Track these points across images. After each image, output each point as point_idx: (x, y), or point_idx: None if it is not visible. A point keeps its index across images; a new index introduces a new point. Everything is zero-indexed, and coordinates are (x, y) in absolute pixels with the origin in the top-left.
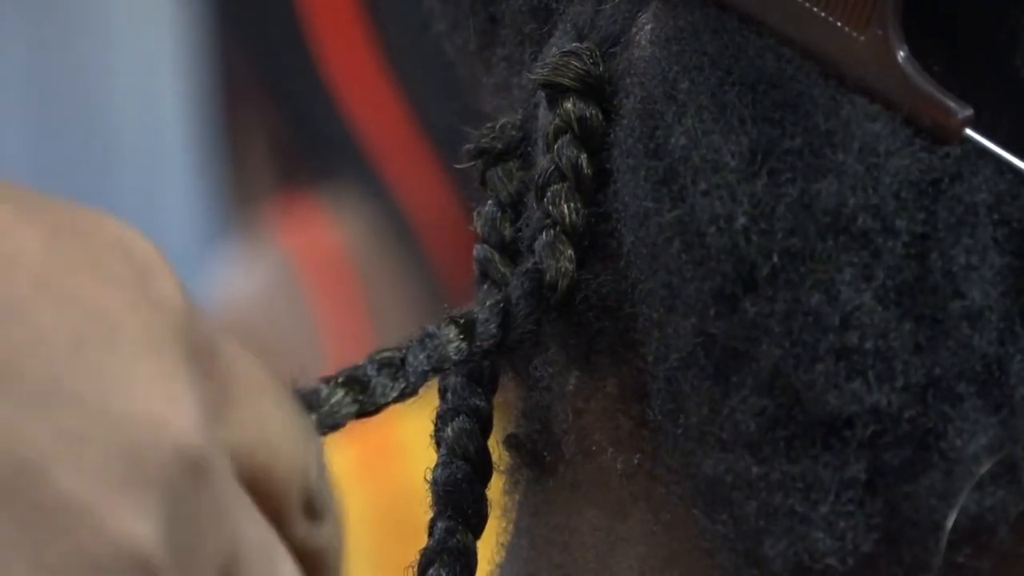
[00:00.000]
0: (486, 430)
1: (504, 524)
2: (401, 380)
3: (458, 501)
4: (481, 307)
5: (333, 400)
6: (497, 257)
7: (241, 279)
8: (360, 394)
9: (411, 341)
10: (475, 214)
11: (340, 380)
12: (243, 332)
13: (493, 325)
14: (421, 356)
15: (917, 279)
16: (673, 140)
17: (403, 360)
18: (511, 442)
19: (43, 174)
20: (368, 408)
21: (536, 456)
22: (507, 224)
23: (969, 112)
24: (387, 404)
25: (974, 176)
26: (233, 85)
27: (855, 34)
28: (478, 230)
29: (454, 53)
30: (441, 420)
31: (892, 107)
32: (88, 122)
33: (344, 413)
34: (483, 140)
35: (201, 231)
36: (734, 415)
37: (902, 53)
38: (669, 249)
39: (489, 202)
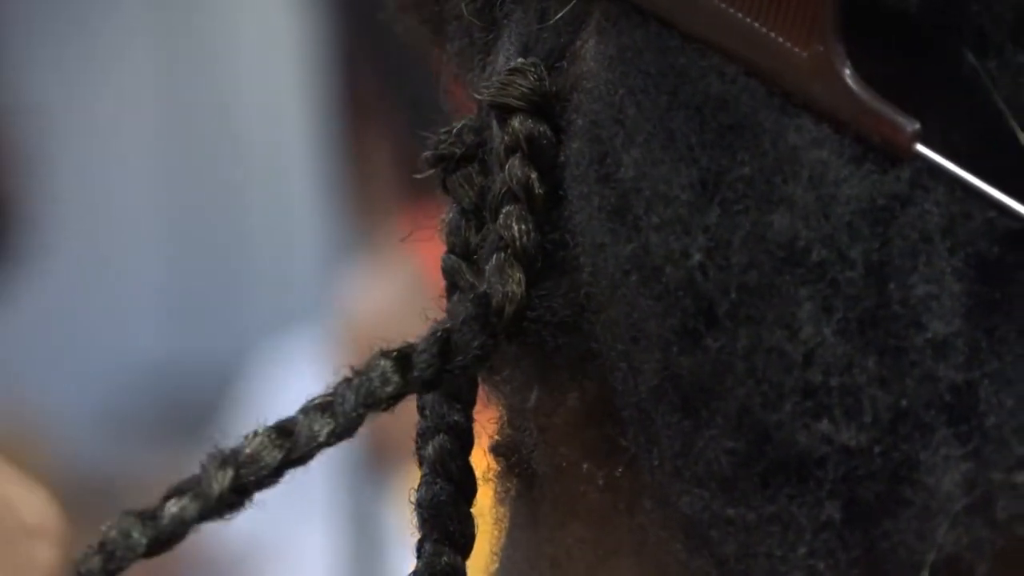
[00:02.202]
0: (467, 447)
1: (496, 534)
2: (329, 420)
3: (443, 522)
4: (423, 336)
5: (250, 449)
6: (464, 266)
7: (370, 293)
8: (282, 439)
9: (340, 382)
10: (439, 222)
11: (260, 429)
12: (374, 344)
13: (430, 354)
14: (349, 395)
15: (877, 310)
16: (623, 170)
17: (331, 401)
18: (498, 451)
19: (173, 192)
20: (295, 453)
21: (522, 467)
22: (472, 231)
23: (917, 126)
24: (318, 447)
25: (926, 199)
26: (360, 99)
27: (797, 50)
28: (443, 239)
29: (405, 35)
30: (421, 438)
31: (839, 125)
32: (217, 139)
33: (267, 460)
34: (441, 146)
35: (330, 245)
36: (706, 452)
37: (847, 70)
38: (627, 283)
39: (452, 209)
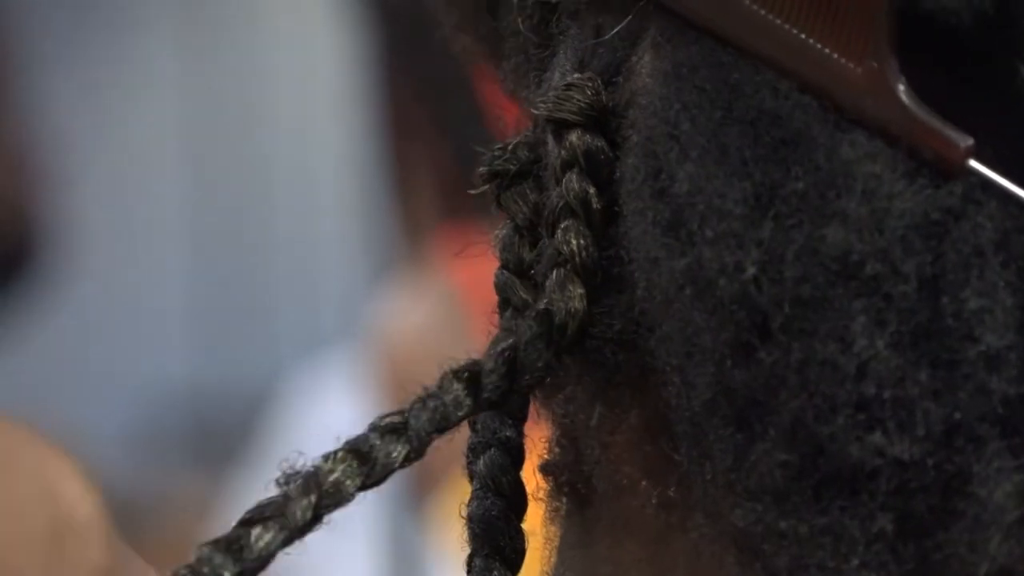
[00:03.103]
0: (518, 462)
1: (547, 553)
2: (404, 444)
3: (494, 537)
4: (488, 356)
5: (332, 478)
6: (518, 282)
7: (407, 312)
8: (361, 465)
9: (413, 403)
10: (493, 238)
11: (339, 455)
12: (409, 365)
13: (499, 374)
14: (423, 418)
15: (930, 323)
16: (677, 185)
17: (405, 424)
18: (547, 469)
19: (201, 213)
20: (372, 479)
21: (572, 487)
22: (526, 247)
23: (970, 142)
24: (392, 471)
25: (979, 213)
26: (399, 118)
27: (852, 66)
28: (497, 255)
29: (462, 55)
30: (472, 453)
31: (892, 140)
32: (246, 160)
33: (347, 488)
34: (496, 162)
35: (364, 265)
36: (759, 465)
37: (901, 86)
38: (681, 297)
39: (506, 226)
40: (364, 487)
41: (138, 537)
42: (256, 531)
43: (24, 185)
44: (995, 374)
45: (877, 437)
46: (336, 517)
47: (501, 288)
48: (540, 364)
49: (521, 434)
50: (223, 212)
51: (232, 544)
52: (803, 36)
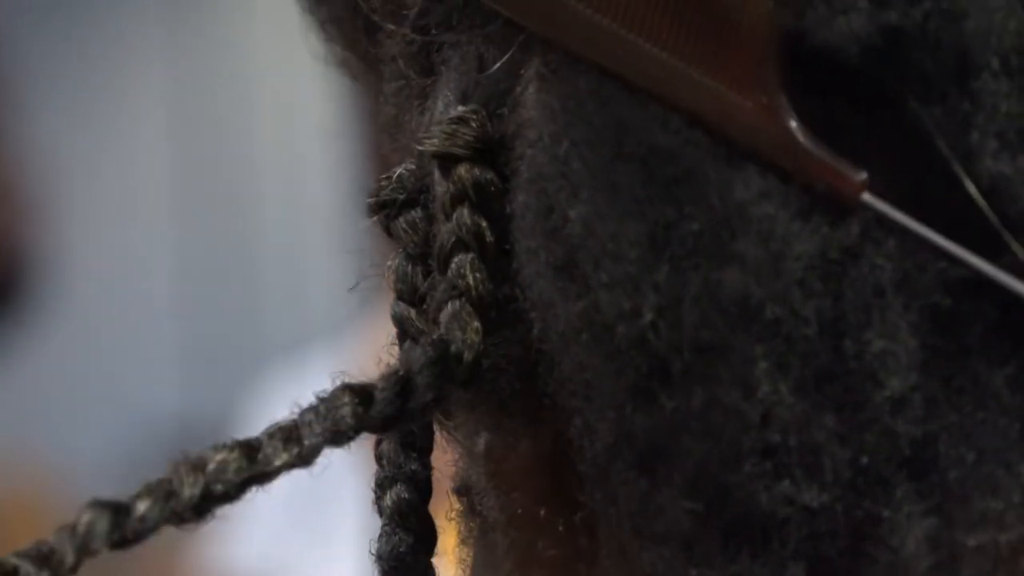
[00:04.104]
0: (425, 497)
1: (460, 574)
2: (293, 446)
3: (404, 575)
4: (381, 377)
5: (219, 458)
6: (413, 313)
7: (389, 344)
8: (248, 457)
9: (304, 410)
10: (386, 269)
11: (228, 443)
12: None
13: (390, 394)
14: (314, 423)
15: (833, 367)
16: (569, 225)
17: (296, 426)
18: (460, 491)
19: (188, 243)
20: (258, 471)
21: (479, 510)
22: (419, 276)
23: (864, 176)
24: (279, 469)
25: (877, 252)
26: (382, 141)
27: (741, 99)
28: (391, 286)
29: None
30: (380, 488)
31: (786, 176)
32: (233, 187)
33: (233, 473)
34: (383, 192)
35: (350, 295)
36: (665, 511)
37: (792, 121)
38: (579, 341)
39: (398, 255)
40: (251, 480)
41: (123, 565)
42: (141, 500)
43: (12, 213)
44: (900, 416)
45: (785, 485)
46: (322, 525)
47: (397, 320)
48: (432, 390)
49: (427, 467)
50: (212, 238)
51: (118, 509)
52: (691, 68)
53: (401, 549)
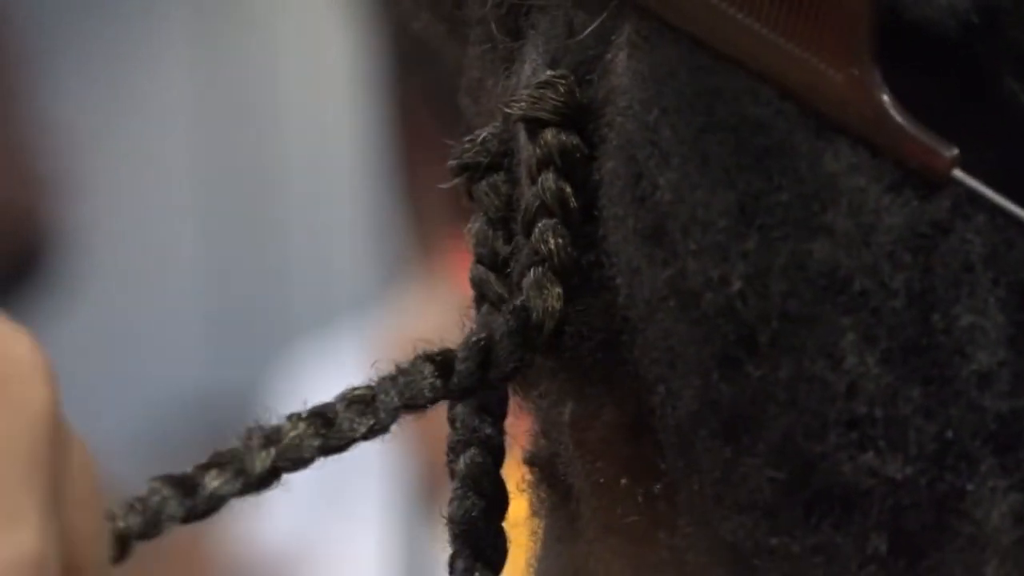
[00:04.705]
0: (498, 461)
1: (532, 545)
2: (370, 416)
3: (475, 538)
4: (462, 345)
5: (293, 433)
6: (492, 277)
7: (418, 319)
8: (324, 428)
9: (383, 378)
10: (466, 232)
11: (303, 415)
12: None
13: (471, 364)
14: (392, 393)
15: (921, 340)
16: (659, 193)
17: (373, 396)
18: (532, 461)
19: (213, 218)
20: (333, 443)
21: (556, 479)
22: (500, 241)
23: (955, 152)
24: (355, 439)
25: (966, 227)
26: (410, 123)
27: (833, 72)
28: (471, 249)
29: (423, 33)
30: (452, 451)
31: (876, 150)
32: (258, 163)
33: (307, 447)
34: (466, 155)
35: (378, 271)
36: (748, 480)
37: (884, 95)
38: (665, 308)
39: (479, 219)
40: (324, 451)
41: (150, 543)
42: (211, 474)
43: (35, 188)
44: (987, 391)
45: (870, 457)
46: (348, 510)
47: (476, 283)
48: (513, 359)
49: (501, 431)
50: (237, 215)
51: (185, 482)
52: (783, 40)
53: (473, 513)
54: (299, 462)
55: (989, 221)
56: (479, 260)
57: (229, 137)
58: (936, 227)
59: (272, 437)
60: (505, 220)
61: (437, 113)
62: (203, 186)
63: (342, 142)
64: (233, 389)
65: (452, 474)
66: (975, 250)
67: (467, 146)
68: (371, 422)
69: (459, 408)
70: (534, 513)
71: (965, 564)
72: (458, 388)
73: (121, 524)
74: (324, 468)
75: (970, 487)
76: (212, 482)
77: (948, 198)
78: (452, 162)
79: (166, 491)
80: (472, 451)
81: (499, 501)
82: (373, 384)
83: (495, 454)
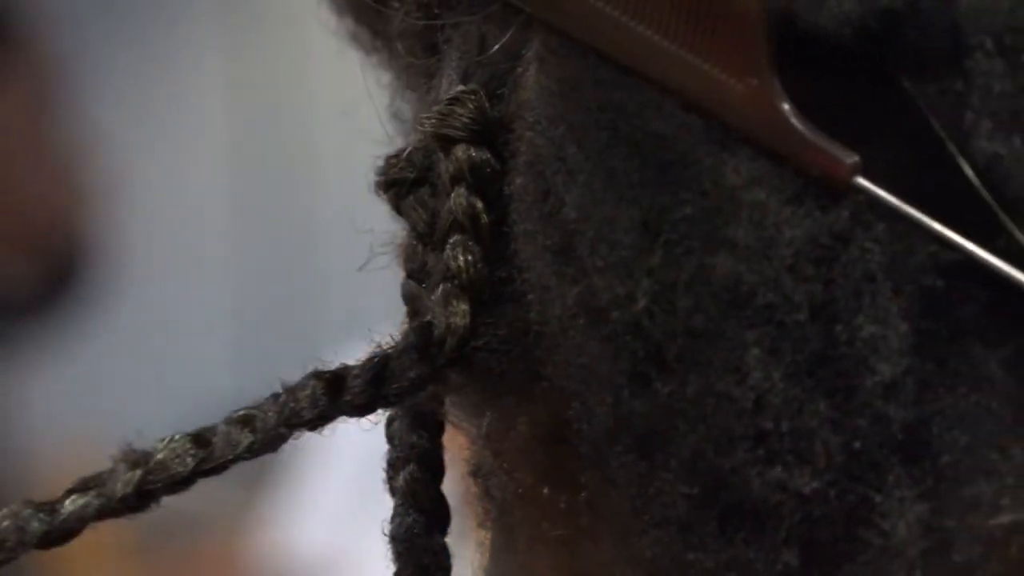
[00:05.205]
0: (437, 476)
1: (480, 559)
2: (249, 435)
3: (417, 555)
4: (359, 362)
5: (163, 455)
6: (423, 291)
7: None
8: (198, 449)
9: (268, 397)
10: (396, 248)
11: (175, 437)
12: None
13: (363, 380)
14: (271, 411)
15: (825, 352)
16: (566, 210)
17: (254, 416)
18: (474, 473)
19: (245, 224)
20: (208, 464)
21: (494, 491)
22: (429, 255)
23: (856, 158)
24: (234, 459)
25: (867, 236)
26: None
27: (733, 82)
28: (400, 264)
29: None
30: (392, 468)
31: (778, 159)
32: (290, 169)
33: (178, 469)
34: (392, 171)
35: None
36: (662, 495)
37: (784, 103)
38: (575, 325)
39: (407, 233)
40: (199, 471)
41: (186, 538)
42: (72, 497)
43: (75, 195)
44: (892, 401)
45: (778, 471)
46: (380, 519)
47: (407, 298)
48: (408, 375)
49: (438, 446)
50: (267, 225)
51: (45, 507)
52: (684, 52)
53: (415, 529)
54: (172, 482)
55: (889, 229)
56: (409, 275)
57: (261, 149)
58: (836, 238)
59: (140, 459)
60: (432, 233)
61: None
62: (235, 198)
63: (374, 148)
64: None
65: (392, 491)
66: (875, 259)
67: (392, 162)
68: (250, 440)
69: (395, 424)
70: (480, 524)
71: (875, 575)
72: (350, 405)
73: None
74: (359, 476)
75: (878, 499)
76: (71, 504)
77: (848, 208)
78: (378, 178)
79: (24, 514)
80: (411, 467)
81: (440, 516)
82: (258, 403)
83: (433, 468)
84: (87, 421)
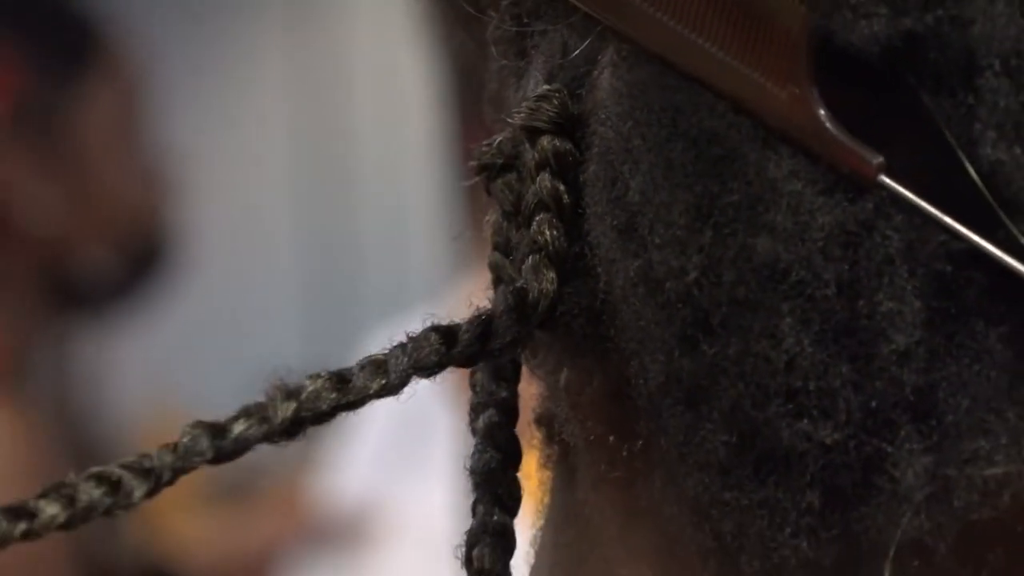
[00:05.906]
0: (512, 419)
1: (541, 495)
2: (382, 377)
3: (493, 486)
4: (468, 320)
5: (311, 388)
6: (507, 263)
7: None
8: (340, 384)
9: (395, 346)
10: (485, 223)
11: (322, 374)
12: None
13: (472, 336)
14: (402, 357)
15: (849, 323)
16: (631, 194)
17: (386, 360)
18: (540, 421)
19: (307, 213)
20: (348, 398)
21: (559, 436)
22: (513, 230)
23: (881, 159)
24: (368, 397)
25: (888, 226)
26: (475, 114)
27: (777, 90)
28: (489, 238)
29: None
30: (473, 412)
31: (813, 157)
32: (346, 161)
33: (325, 399)
34: (484, 157)
35: (443, 261)
36: (705, 442)
37: (821, 109)
38: (635, 293)
39: (496, 212)
40: (339, 406)
41: (255, 500)
42: (238, 422)
43: (157, 192)
44: (905, 367)
45: (804, 423)
46: (421, 466)
47: (492, 267)
48: (510, 332)
49: (515, 395)
50: (327, 211)
51: (216, 428)
52: (736, 63)
53: (492, 465)
54: (319, 414)
55: (906, 220)
56: (495, 247)
57: (319, 140)
58: (862, 225)
59: (293, 391)
60: (517, 213)
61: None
62: (297, 190)
63: (419, 145)
64: (325, 363)
65: (473, 432)
66: (894, 245)
67: (485, 149)
68: (383, 382)
69: (479, 375)
70: (542, 466)
71: (886, 516)
72: (461, 356)
73: (155, 463)
74: (399, 424)
75: (890, 450)
76: (238, 427)
77: (872, 201)
78: (472, 163)
79: (198, 432)
80: (490, 412)
81: (513, 455)
82: (387, 350)
83: (510, 414)
84: (168, 389)
